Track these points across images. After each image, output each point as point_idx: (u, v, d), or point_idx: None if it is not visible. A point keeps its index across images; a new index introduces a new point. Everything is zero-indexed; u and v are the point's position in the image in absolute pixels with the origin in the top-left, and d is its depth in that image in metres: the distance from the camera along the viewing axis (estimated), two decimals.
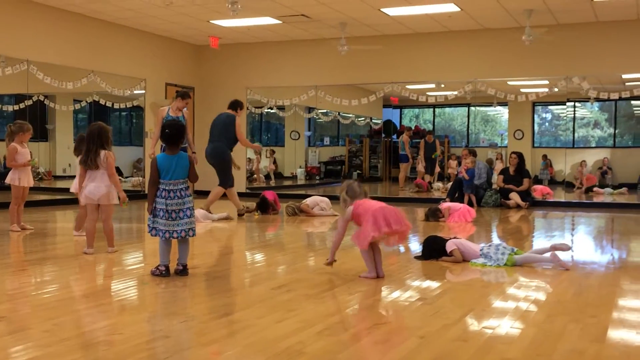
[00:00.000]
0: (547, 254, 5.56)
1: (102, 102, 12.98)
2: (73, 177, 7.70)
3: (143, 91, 13.21)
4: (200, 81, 14.69)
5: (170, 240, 4.98)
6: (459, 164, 12.88)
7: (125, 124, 16.10)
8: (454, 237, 5.97)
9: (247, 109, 14.58)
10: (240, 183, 14.80)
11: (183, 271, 4.99)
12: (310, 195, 10.90)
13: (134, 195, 12.93)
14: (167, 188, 4.94)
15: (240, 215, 9.60)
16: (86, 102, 13.21)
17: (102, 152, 5.98)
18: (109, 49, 12.45)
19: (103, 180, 6.02)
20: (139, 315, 3.97)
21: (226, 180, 9.56)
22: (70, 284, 4.83)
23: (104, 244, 6.17)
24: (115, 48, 12.58)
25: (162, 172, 4.96)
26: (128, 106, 13.68)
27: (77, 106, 13.63)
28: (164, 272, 4.95)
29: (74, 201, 6.52)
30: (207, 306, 4.08)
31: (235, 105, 9.62)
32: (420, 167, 16.02)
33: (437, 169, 16.56)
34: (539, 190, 12.88)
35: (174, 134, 5.03)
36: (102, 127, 6.07)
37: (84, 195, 6.06)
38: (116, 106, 13.44)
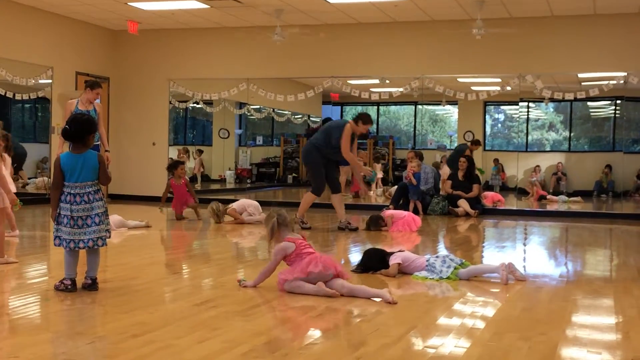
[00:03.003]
0: (496, 264, 5.64)
1: (1, 92, 12.60)
2: None
3: (50, 81, 12.89)
4: (117, 71, 14.43)
5: (77, 250, 4.87)
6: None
7: (29, 118, 15.67)
8: (399, 251, 6.01)
9: (170, 102, 14.42)
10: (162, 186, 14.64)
11: (92, 285, 4.89)
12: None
13: (38, 199, 12.62)
14: (72, 192, 4.82)
15: (340, 228, 9.13)
16: None
17: None
18: (10, 32, 12.06)
19: None
20: (39, 336, 3.86)
21: (314, 186, 9.19)
22: None
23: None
24: (18, 32, 12.20)
25: (66, 174, 4.84)
26: (32, 97, 13.32)
27: None
28: (69, 287, 4.83)
29: None
30: (118, 325, 4.00)
31: (358, 117, 9.04)
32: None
33: (381, 174, 16.74)
34: (490, 197, 13.14)
35: (78, 129, 4.88)
36: None
37: None
38: (18, 97, 13.06)
